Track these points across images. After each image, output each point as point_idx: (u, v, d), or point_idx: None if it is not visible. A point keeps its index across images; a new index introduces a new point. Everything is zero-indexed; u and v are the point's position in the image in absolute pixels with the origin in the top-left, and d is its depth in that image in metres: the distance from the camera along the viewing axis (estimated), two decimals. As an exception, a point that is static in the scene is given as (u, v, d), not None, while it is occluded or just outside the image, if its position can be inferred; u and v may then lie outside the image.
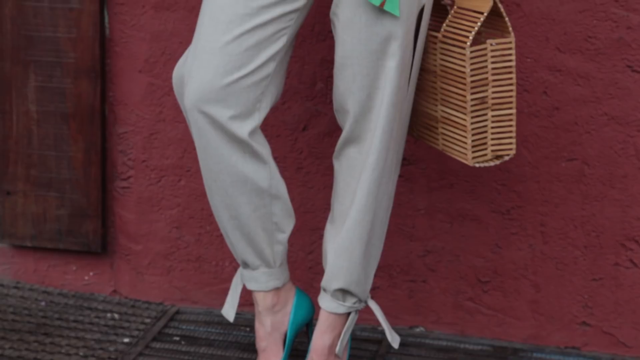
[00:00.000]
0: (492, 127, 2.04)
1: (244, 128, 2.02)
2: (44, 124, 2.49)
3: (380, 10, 1.98)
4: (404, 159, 2.42)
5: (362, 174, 2.07)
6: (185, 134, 2.48)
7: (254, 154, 2.05)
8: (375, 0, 1.96)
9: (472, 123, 2.02)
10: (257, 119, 2.04)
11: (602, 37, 2.31)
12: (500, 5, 2.01)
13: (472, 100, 2.01)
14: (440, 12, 2.15)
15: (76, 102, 2.47)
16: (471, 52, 1.99)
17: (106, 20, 2.45)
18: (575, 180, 2.38)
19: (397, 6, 1.96)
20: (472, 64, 1.99)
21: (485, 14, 1.99)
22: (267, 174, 2.08)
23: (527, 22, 2.33)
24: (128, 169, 2.52)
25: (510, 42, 2.02)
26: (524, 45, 2.33)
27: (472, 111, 2.02)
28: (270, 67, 2.02)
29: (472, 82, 2.00)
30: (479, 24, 1.99)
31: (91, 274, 2.60)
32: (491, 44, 2.01)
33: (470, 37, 1.99)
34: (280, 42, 2.02)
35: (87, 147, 2.49)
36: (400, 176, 2.43)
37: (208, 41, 2.00)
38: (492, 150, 2.05)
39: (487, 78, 2.01)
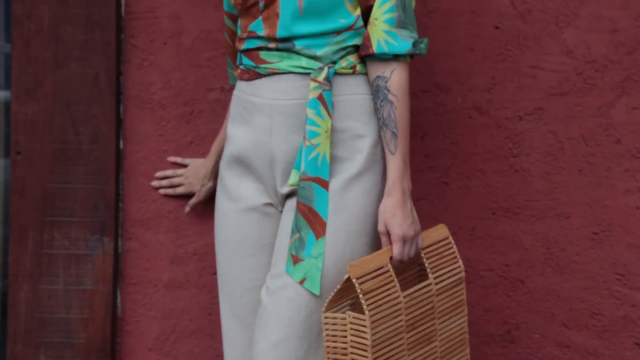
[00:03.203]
0: None
1: None
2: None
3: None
4: None
5: None
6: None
7: None
8: (296, 275, 1.96)
9: None
10: None
11: (608, 314, 2.33)
12: (356, 283, 1.88)
13: None
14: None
15: (85, 384, 2.47)
16: (325, 317, 1.90)
17: (118, 300, 2.49)
18: None
19: (317, 284, 1.95)
20: (326, 329, 1.90)
21: (339, 286, 1.90)
22: None
23: (532, 299, 2.35)
24: None
25: (364, 320, 1.87)
26: (530, 322, 2.35)
27: None
28: None
29: (327, 347, 1.90)
30: (333, 292, 1.91)
31: None
32: (349, 316, 1.89)
33: (325, 304, 1.91)
34: None
35: None
36: None
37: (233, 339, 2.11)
38: None
39: (346, 349, 1.89)
